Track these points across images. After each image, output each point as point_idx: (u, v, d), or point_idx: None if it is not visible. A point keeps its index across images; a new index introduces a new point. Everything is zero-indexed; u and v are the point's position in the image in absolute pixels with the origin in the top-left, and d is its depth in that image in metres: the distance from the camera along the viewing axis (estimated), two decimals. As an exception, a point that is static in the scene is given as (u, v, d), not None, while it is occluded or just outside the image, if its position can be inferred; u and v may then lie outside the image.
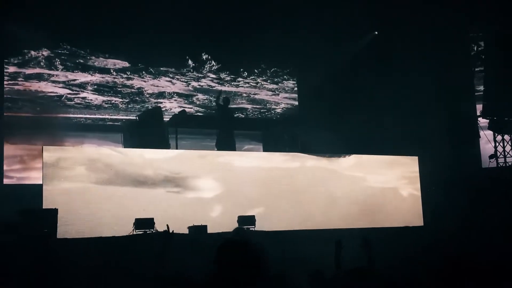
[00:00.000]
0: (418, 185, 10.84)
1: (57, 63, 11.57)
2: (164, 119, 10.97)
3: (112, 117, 11.93)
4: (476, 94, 12.58)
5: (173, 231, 7.11)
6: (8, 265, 6.25)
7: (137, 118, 11.19)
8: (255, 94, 13.48)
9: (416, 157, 10.95)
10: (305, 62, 13.63)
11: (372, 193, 10.32)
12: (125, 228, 7.97)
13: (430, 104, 11.88)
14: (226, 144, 10.52)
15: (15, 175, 10.69)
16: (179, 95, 12.63)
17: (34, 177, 10.44)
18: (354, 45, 13.17)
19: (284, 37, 12.47)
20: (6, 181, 10.51)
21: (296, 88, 13.90)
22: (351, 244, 4.99)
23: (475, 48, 12.59)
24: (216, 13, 11.69)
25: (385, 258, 5.23)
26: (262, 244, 3.15)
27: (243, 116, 13.05)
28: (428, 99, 11.94)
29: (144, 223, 7.95)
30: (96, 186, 8.38)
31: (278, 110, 13.53)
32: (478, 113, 12.15)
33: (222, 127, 10.88)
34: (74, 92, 11.67)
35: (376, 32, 13.08)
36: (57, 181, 8.18)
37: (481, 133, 12.16)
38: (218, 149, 10.34)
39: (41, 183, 8.21)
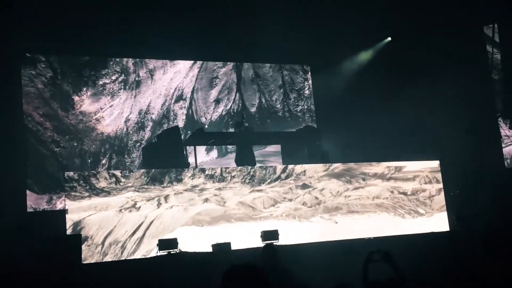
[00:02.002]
0: (440, 188, 10.71)
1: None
2: (182, 138, 11.01)
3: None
4: (495, 94, 12.42)
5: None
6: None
7: (155, 138, 11.27)
8: (272, 107, 13.52)
9: (438, 161, 10.84)
10: (320, 70, 13.65)
11: (395, 199, 10.23)
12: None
13: (448, 107, 11.77)
14: (245, 159, 10.50)
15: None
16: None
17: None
18: (369, 51, 13.15)
19: (298, 45, 12.51)
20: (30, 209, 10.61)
21: (312, 98, 13.90)
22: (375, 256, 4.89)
23: (491, 47, 12.42)
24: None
25: (411, 267, 5.14)
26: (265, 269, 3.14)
27: (261, 130, 13.04)
28: (446, 102, 11.83)
29: (167, 244, 7.95)
30: (116, 207, 8.44)
31: (296, 123, 13.50)
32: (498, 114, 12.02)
33: (240, 143, 10.88)
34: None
35: (390, 38, 13.03)
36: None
37: (503, 133, 12.00)
38: (238, 165, 10.32)
39: (65, 209, 8.28)
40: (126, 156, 11.79)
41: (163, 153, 9.92)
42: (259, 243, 8.15)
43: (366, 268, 4.41)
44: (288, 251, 7.46)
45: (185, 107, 12.66)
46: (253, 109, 13.38)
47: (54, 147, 11.21)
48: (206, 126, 12.50)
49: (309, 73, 14.02)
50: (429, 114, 11.84)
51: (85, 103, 11.63)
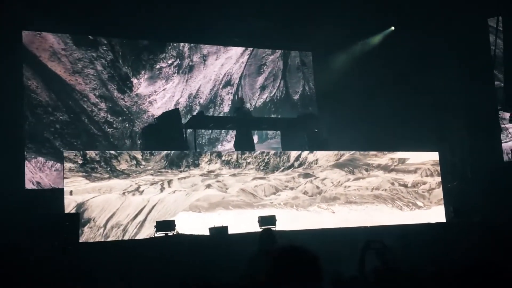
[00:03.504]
0: (440, 181, 10.72)
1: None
2: (182, 120, 10.99)
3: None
4: (496, 87, 12.36)
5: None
6: (30, 271, 6.28)
7: (155, 120, 11.24)
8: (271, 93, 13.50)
9: (437, 153, 10.84)
10: (321, 59, 13.60)
11: (394, 190, 10.24)
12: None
13: (449, 99, 11.75)
14: (244, 144, 10.49)
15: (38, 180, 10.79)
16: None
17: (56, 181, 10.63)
18: (371, 40, 13.08)
19: (301, 34, 12.47)
20: (28, 186, 10.60)
21: (313, 86, 13.87)
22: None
23: (495, 38, 12.32)
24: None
25: (407, 257, 5.16)
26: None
27: (261, 115, 13.03)
28: (447, 94, 11.80)
29: (165, 225, 7.96)
30: (119, 190, 8.44)
31: (296, 109, 13.48)
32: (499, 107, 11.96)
33: (240, 128, 10.86)
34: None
35: (393, 28, 12.95)
36: (79, 185, 8.25)
37: (503, 126, 11.96)
38: (237, 150, 10.31)
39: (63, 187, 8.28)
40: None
41: (162, 135, 9.90)
42: (255, 229, 8.14)
43: (363, 256, 4.41)
44: (284, 237, 7.49)
45: (231, 93, 12.90)
46: (296, 97, 13.62)
47: (107, 128, 11.48)
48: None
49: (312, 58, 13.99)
50: (430, 104, 11.82)
51: (142, 85, 11.96)
